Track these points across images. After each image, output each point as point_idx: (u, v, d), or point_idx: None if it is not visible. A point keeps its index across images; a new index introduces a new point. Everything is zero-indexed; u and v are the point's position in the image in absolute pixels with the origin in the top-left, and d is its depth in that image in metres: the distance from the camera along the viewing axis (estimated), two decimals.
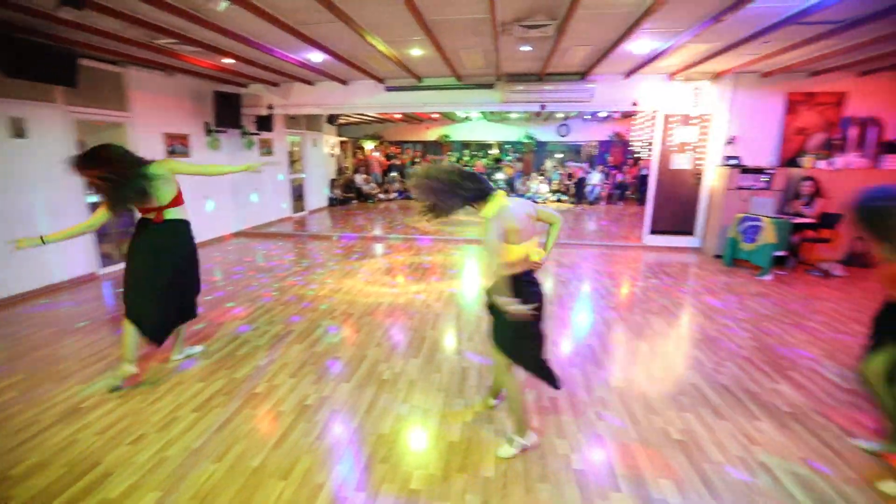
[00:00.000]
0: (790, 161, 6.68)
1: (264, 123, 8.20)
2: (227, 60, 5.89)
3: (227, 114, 7.39)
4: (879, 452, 2.36)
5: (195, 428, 2.57)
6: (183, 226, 3.10)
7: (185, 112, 7.01)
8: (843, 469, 2.26)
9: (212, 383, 3.04)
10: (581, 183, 10.28)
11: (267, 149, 9.16)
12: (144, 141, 6.22)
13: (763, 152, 6.79)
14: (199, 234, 7.14)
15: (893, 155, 6.18)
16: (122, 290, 2.98)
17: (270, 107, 7.94)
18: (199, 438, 2.48)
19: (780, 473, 2.23)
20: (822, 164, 6.30)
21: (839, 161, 6.26)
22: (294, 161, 11.19)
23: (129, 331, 2.91)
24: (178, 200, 3.07)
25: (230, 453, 2.37)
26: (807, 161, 6.42)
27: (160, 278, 2.94)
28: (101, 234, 5.82)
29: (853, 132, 6.42)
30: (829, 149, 6.50)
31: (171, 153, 6.72)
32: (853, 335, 3.88)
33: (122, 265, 3.88)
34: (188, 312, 3.23)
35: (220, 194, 7.89)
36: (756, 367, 3.30)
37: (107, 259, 5.93)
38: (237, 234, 8.33)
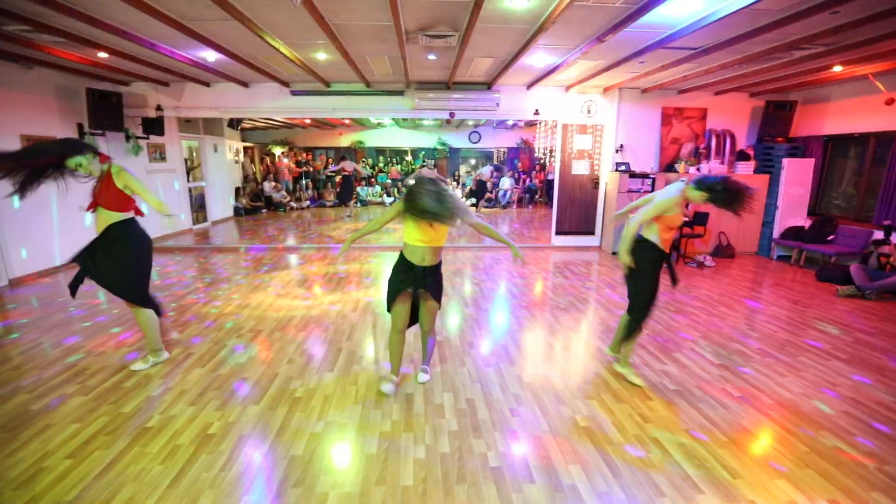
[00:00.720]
0: (668, 167, 7.59)
1: (153, 126, 7.41)
2: (101, 54, 5.23)
3: (105, 114, 6.56)
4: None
5: (68, 477, 2.22)
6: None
7: (50, 111, 6.08)
8: (717, 435, 2.60)
9: (90, 423, 2.65)
10: (483, 187, 10.73)
11: (158, 154, 8.28)
12: None
13: (647, 159, 7.63)
14: (75, 250, 6.32)
15: (744, 161, 7.32)
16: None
17: (159, 108, 7.21)
18: (74, 489, 2.15)
19: (669, 445, 2.50)
20: (692, 170, 7.24)
21: (705, 167, 7.24)
22: (192, 168, 10.25)
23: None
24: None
25: (115, 500, 2.08)
26: (681, 167, 7.34)
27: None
28: None
29: (714, 142, 7.48)
30: (697, 156, 7.50)
31: None
32: (722, 317, 4.48)
33: None
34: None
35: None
36: (648, 352, 3.66)
37: None
38: None
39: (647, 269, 2.97)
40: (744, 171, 7.24)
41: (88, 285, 4.37)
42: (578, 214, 7.91)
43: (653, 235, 2.97)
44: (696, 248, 7.15)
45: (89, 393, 2.98)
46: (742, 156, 7.41)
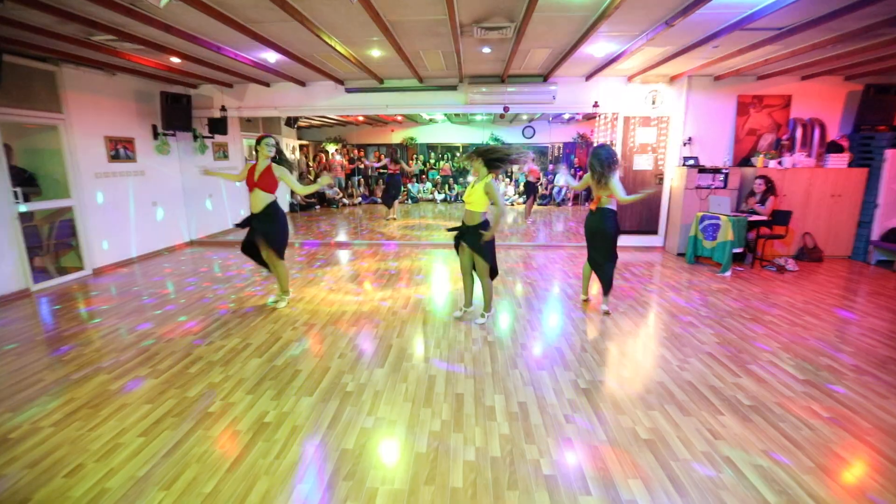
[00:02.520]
0: (744, 160, 7.05)
1: (217, 126, 7.92)
2: (174, 59, 5.66)
3: (176, 116, 7.10)
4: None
5: (141, 454, 2.42)
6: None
7: (130, 114, 6.68)
8: (802, 459, 2.37)
9: (161, 404, 2.88)
10: (531, 185, 10.28)
11: (222, 153, 8.86)
12: (83, 144, 5.88)
13: (718, 152, 7.14)
14: (148, 243, 6.95)
15: (836, 154, 6.63)
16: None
17: (223, 108, 7.68)
18: (146, 465, 2.33)
19: (744, 466, 2.31)
20: (772, 164, 6.68)
21: (788, 160, 6.65)
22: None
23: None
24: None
25: (180, 480, 2.24)
26: (759, 160, 6.80)
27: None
28: (33, 248, 5.43)
29: (799, 133, 6.85)
30: (779, 149, 6.91)
31: (115, 157, 6.38)
32: (807, 327, 4.10)
33: (59, 280, 5.66)
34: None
35: (171, 201, 7.55)
36: (719, 363, 3.42)
37: (41, 274, 5.54)
38: (191, 244, 8.00)
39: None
40: (835, 164, 6.58)
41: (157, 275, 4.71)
42: (640, 212, 7.56)
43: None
44: (777, 250, 6.60)
45: (159, 377, 3.23)
46: (833, 147, 6.72)
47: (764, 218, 6.14)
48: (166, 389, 3.06)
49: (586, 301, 4.82)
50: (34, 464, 2.36)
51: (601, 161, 4.11)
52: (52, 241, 5.78)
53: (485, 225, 3.95)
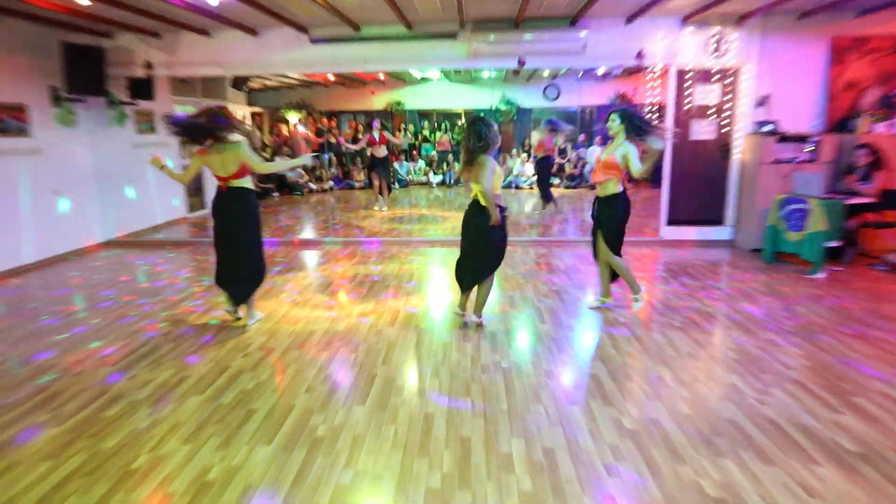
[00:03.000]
0: (840, 124, 7.05)
1: (141, 89, 7.93)
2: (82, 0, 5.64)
3: (84, 75, 7.10)
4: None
5: None
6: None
7: (20, 72, 6.67)
8: None
9: (66, 461, 2.86)
10: (546, 162, 9.77)
11: (148, 124, 8.90)
12: None
13: (804, 115, 7.15)
14: (48, 245, 6.95)
15: None
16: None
17: (149, 66, 7.67)
18: None
19: None
20: (880, 128, 6.66)
21: None
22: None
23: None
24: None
25: None
26: (861, 124, 6.78)
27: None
28: None
29: None
30: (889, 107, 6.88)
31: (1, 131, 6.35)
32: None
33: None
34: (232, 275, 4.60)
35: (80, 189, 7.57)
36: (811, 394, 3.40)
37: None
38: (107, 245, 8.01)
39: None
40: None
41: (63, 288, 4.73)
42: (700, 196, 7.57)
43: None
44: (887, 243, 6.56)
45: (64, 423, 3.21)
46: None
47: (869, 200, 6.13)
48: (73, 440, 3.04)
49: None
50: None
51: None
52: None
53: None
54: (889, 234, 6.52)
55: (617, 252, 4.73)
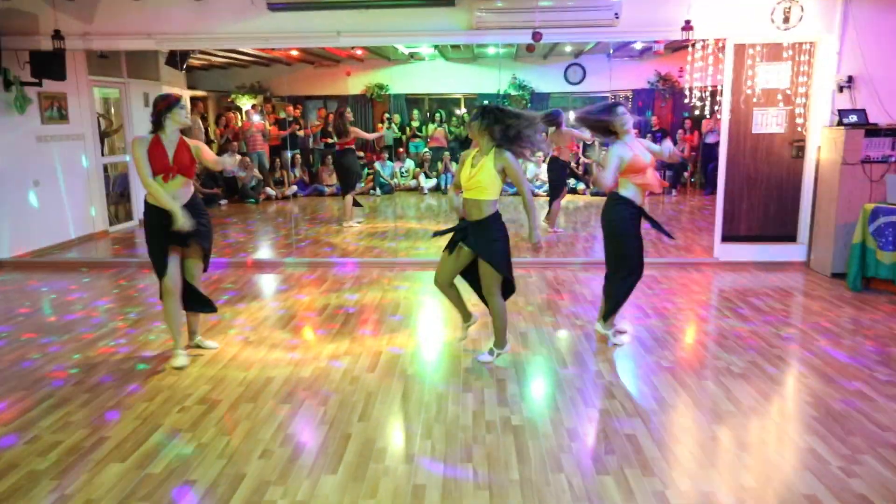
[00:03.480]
0: None
1: (49, 66, 8.01)
2: None
3: None
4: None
5: None
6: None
7: None
8: None
9: None
10: (560, 166, 9.66)
11: (56, 110, 8.94)
12: None
13: None
14: None
15: None
16: None
17: (58, 35, 7.73)
18: None
19: None
20: None
21: None
22: (110, 133, 10.94)
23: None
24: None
25: None
26: None
27: None
28: None
29: None
30: None
31: None
32: None
33: None
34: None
35: None
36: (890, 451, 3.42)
37: None
38: (1, 266, 8.04)
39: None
40: None
41: None
42: (765, 206, 7.66)
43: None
44: None
45: None
46: None
47: None
48: None
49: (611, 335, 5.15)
50: None
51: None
52: None
53: (494, 219, 4.52)
54: None
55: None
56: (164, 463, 3.49)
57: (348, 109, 11.78)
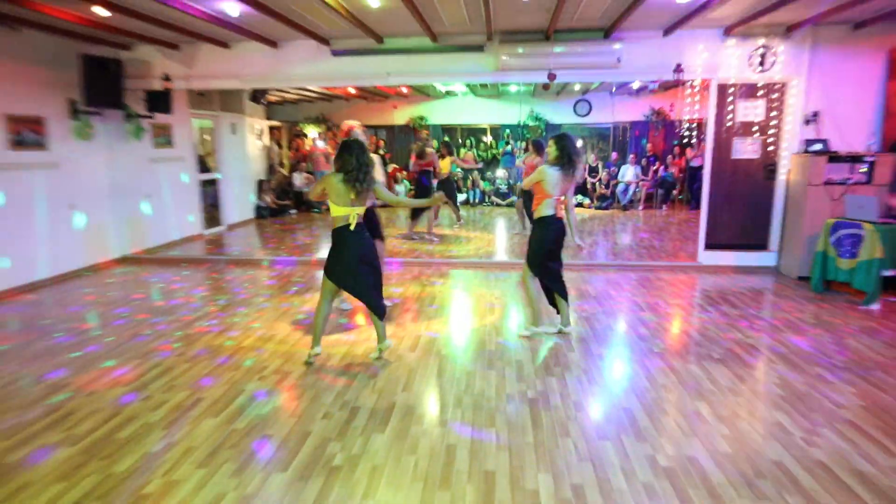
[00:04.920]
0: None
1: (158, 102, 8.22)
2: (100, 11, 5.88)
3: (102, 87, 7.41)
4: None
5: None
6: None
7: (39, 84, 6.98)
8: None
9: (78, 483, 2.95)
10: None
11: (164, 138, 9.18)
12: None
13: (858, 133, 7.08)
14: (62, 261, 7.19)
15: None
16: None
17: (167, 78, 7.97)
18: None
19: None
20: None
21: None
22: (205, 155, 11.19)
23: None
24: None
25: None
26: None
27: None
28: None
29: None
30: None
31: (19, 144, 6.64)
32: None
33: None
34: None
35: (95, 204, 7.84)
36: (867, 437, 3.35)
37: None
38: (122, 261, 8.25)
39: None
40: None
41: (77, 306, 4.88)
42: (742, 219, 7.53)
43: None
44: None
45: (77, 444, 3.32)
46: None
47: None
48: (86, 462, 3.14)
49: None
50: None
51: (577, 150, 4.80)
52: None
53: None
54: None
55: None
56: (247, 420, 3.59)
57: (431, 138, 11.31)
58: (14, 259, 6.62)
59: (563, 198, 4.82)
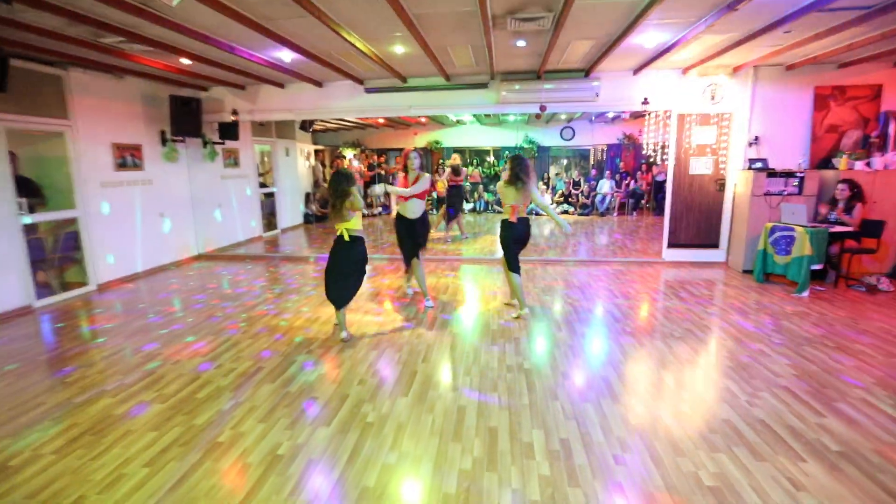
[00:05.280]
0: (823, 162, 6.82)
1: (228, 131, 8.26)
2: (185, 61, 5.96)
3: (185, 121, 7.44)
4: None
5: (146, 487, 2.50)
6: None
7: (138, 119, 7.05)
8: None
9: (167, 432, 2.98)
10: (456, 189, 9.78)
11: (232, 159, 9.22)
12: (89, 152, 6.23)
13: (791, 153, 6.94)
14: (154, 257, 7.26)
15: None
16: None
17: (235, 112, 8.01)
18: (151, 499, 2.41)
19: None
20: (859, 165, 6.43)
21: (878, 161, 6.39)
22: (264, 173, 11.24)
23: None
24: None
25: None
26: (841, 161, 6.56)
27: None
28: (37, 262, 5.74)
29: (893, 128, 6.57)
30: (867, 147, 6.65)
31: (122, 165, 6.72)
32: None
33: (62, 296, 6.01)
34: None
35: (179, 212, 7.88)
36: (798, 399, 3.29)
37: (44, 289, 5.84)
38: (199, 257, 8.30)
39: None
40: None
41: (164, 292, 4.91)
42: (698, 223, 7.41)
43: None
44: (866, 267, 6.31)
45: (165, 401, 3.35)
46: None
47: (850, 229, 5.90)
48: (173, 416, 3.17)
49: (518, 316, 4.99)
50: (34, 494, 2.47)
51: (525, 169, 4.71)
52: (57, 255, 6.11)
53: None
54: (868, 259, 6.26)
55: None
56: (297, 384, 3.59)
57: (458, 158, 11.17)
58: (117, 256, 6.69)
59: (520, 206, 4.74)
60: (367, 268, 4.67)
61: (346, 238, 4.38)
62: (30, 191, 5.72)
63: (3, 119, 5.22)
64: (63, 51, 5.31)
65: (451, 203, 9.87)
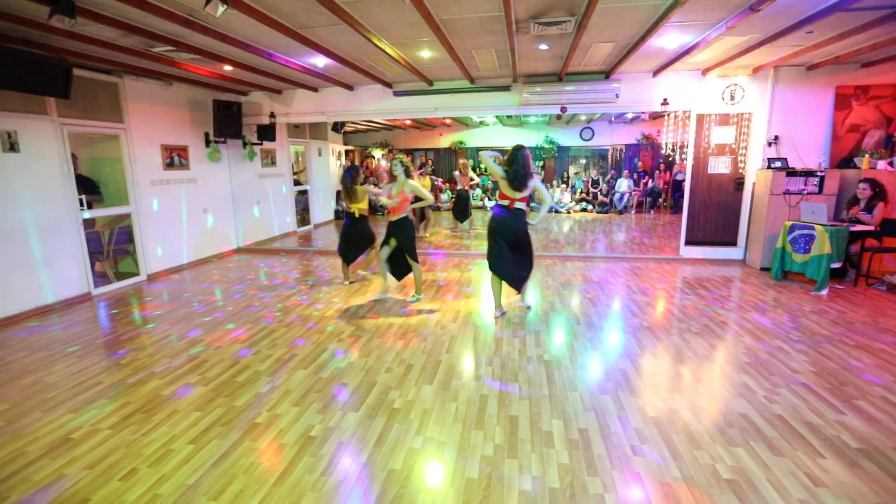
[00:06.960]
0: (845, 161, 6.53)
1: (266, 133, 8.38)
2: (227, 67, 6.06)
3: (227, 123, 7.58)
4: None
5: (191, 462, 2.57)
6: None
7: (184, 122, 7.22)
8: None
9: (209, 412, 3.05)
10: (464, 200, 9.66)
11: (269, 159, 9.36)
12: (141, 153, 6.41)
13: (811, 153, 6.66)
14: (198, 250, 7.43)
15: None
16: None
17: (272, 115, 8.12)
18: (195, 474, 2.47)
19: None
20: (881, 164, 6.12)
21: None
22: (299, 172, 11.37)
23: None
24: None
25: (228, 491, 2.35)
26: (863, 161, 6.26)
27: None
28: (95, 253, 5.95)
29: None
30: (890, 147, 6.33)
31: (170, 165, 6.90)
32: None
33: (117, 285, 6.21)
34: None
35: (221, 208, 8.05)
36: (816, 396, 3.16)
37: (100, 279, 6.06)
38: (238, 251, 8.46)
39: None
40: None
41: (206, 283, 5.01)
42: (716, 221, 7.19)
43: None
44: (887, 265, 6.02)
45: (208, 384, 3.43)
46: None
47: (871, 228, 5.64)
48: (215, 397, 3.24)
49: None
50: (93, 465, 2.56)
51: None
52: (112, 248, 6.32)
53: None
54: (888, 258, 5.97)
55: (415, 258, 5.20)
56: (329, 371, 3.63)
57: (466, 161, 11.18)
58: (164, 249, 6.88)
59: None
60: (379, 242, 5.36)
61: (357, 215, 5.67)
62: (88, 188, 5.93)
63: (66, 123, 5.41)
64: (118, 60, 5.47)
65: (466, 203, 9.79)
